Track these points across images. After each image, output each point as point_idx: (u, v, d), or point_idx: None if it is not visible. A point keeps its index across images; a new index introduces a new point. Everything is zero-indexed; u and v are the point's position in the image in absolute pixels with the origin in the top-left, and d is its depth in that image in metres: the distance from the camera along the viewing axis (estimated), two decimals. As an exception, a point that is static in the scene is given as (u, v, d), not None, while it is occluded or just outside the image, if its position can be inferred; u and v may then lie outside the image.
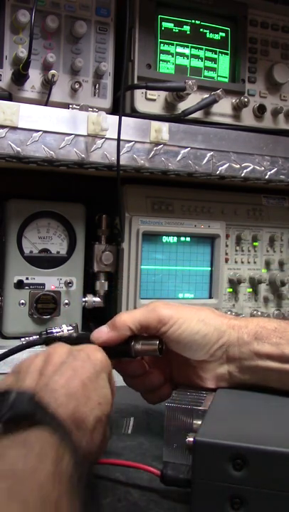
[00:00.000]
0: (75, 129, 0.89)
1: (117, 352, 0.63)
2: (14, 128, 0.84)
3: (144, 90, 0.98)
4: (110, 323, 0.64)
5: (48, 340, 0.71)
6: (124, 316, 0.63)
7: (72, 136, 0.89)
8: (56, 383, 0.49)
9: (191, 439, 0.48)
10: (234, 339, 0.62)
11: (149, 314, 0.62)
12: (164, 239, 1.08)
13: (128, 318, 0.63)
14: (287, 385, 0.61)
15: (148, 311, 0.63)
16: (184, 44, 1.03)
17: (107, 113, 0.90)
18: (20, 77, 0.89)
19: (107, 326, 0.64)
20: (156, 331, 0.62)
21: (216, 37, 1.06)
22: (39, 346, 0.72)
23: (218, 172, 1.00)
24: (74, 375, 0.51)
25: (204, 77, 1.05)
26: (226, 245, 1.13)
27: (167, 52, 1.02)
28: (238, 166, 1.02)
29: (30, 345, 0.72)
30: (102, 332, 0.63)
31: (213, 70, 1.06)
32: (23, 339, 0.97)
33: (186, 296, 1.10)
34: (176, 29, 1.03)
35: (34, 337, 0.96)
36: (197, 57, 1.04)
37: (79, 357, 0.54)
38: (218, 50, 1.06)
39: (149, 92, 0.99)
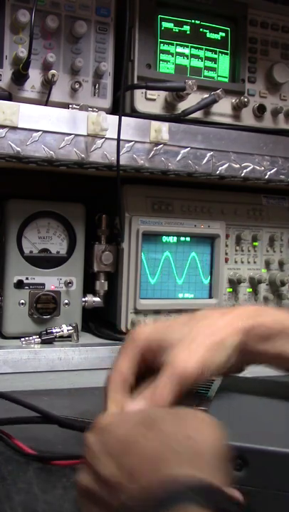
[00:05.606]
0: (75, 128, 0.89)
1: None
2: (14, 128, 0.84)
3: (144, 90, 0.98)
4: None
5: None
6: None
7: (72, 136, 0.89)
8: None
9: (191, 439, 0.48)
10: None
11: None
12: (164, 239, 1.08)
13: None
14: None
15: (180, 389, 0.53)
16: (183, 44, 1.03)
17: (107, 113, 0.90)
18: (20, 77, 0.89)
19: None
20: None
21: (216, 37, 1.06)
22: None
23: (218, 172, 1.00)
24: None
25: (204, 77, 1.05)
26: (226, 245, 1.13)
27: (167, 52, 1.02)
28: (237, 165, 1.02)
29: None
30: None
31: (213, 69, 1.06)
32: (22, 339, 0.97)
33: (186, 296, 1.10)
34: (176, 29, 1.03)
35: (34, 337, 0.98)
36: (197, 57, 1.04)
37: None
38: (218, 50, 1.06)
39: (149, 91, 0.99)
